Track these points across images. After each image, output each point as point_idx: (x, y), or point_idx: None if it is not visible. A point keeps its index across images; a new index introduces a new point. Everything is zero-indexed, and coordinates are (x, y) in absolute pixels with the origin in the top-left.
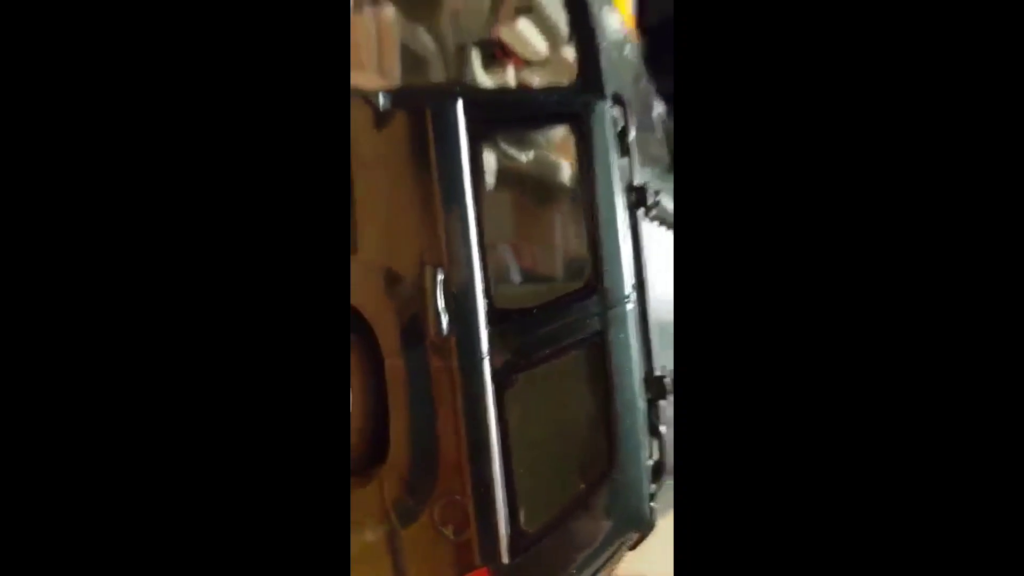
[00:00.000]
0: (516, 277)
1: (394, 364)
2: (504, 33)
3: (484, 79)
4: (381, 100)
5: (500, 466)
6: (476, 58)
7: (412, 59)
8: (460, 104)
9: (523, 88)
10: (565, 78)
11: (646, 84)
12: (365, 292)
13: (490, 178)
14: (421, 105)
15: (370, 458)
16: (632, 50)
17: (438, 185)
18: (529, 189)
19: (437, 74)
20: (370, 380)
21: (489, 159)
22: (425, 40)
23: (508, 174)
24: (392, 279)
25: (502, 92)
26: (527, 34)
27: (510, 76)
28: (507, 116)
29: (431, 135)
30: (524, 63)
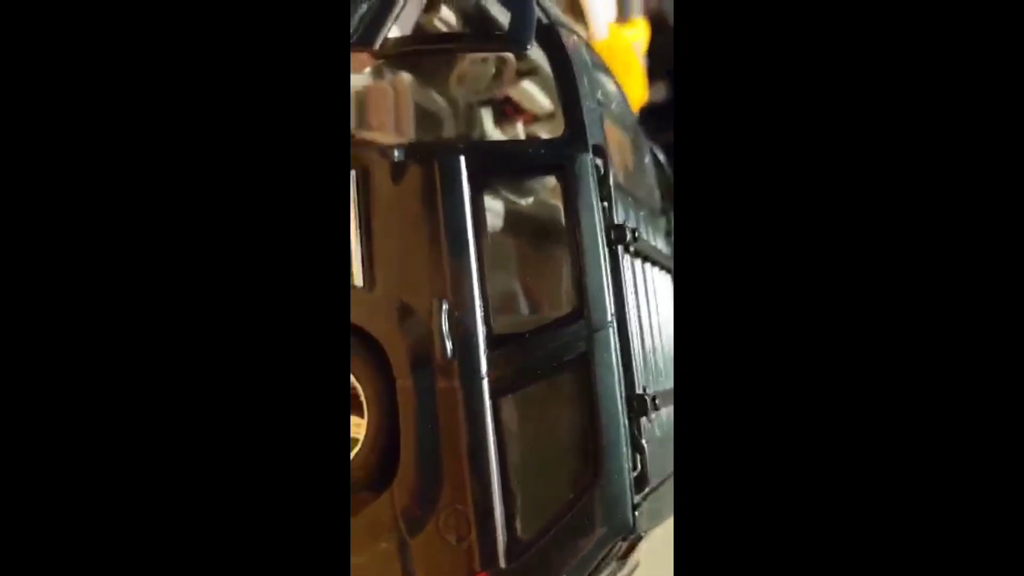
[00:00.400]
0: (524, 309)
1: (405, 385)
2: (512, 92)
3: (496, 134)
4: (396, 154)
5: (497, 476)
6: (487, 115)
7: (426, 118)
8: (463, 157)
9: (516, 141)
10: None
11: (638, 135)
12: (380, 322)
13: (499, 221)
14: (430, 158)
15: (382, 472)
16: (624, 106)
17: (444, 227)
18: (531, 231)
19: (449, 131)
20: (383, 401)
21: (497, 204)
22: (438, 101)
23: (513, 217)
24: (404, 311)
25: (499, 145)
26: (532, 92)
27: (519, 130)
28: (504, 167)
29: (439, 183)
30: (532, 118)
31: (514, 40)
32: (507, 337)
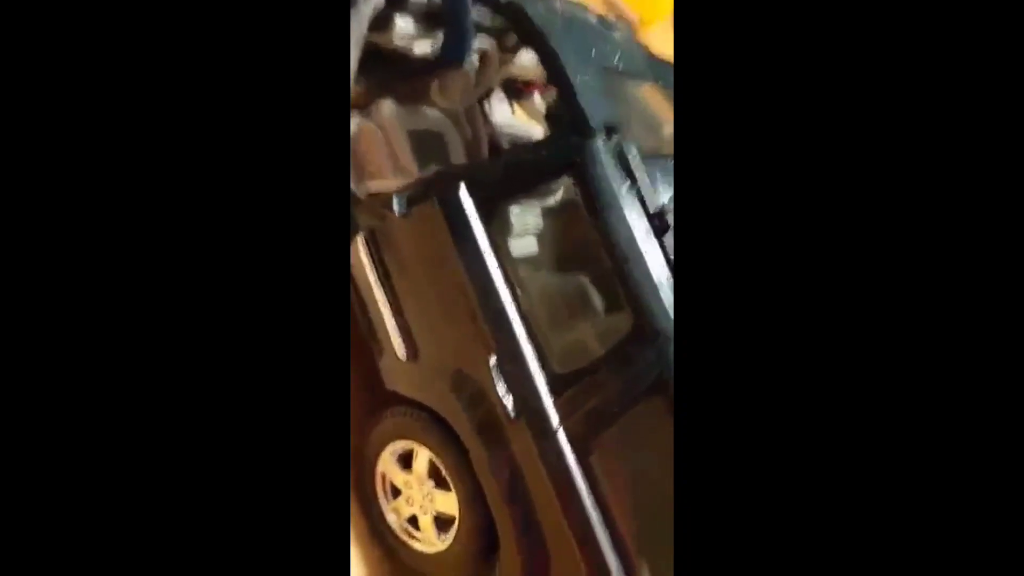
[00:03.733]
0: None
1: (478, 456)
2: (514, 70)
3: (514, 120)
4: (396, 207)
5: (605, 534)
6: (502, 102)
7: (427, 139)
8: (463, 187)
9: (517, 149)
10: None
11: (651, 67)
12: (433, 392)
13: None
14: (430, 198)
15: (487, 547)
16: (632, 49)
17: (465, 274)
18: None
19: (455, 143)
20: (465, 472)
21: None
22: (431, 116)
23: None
24: (457, 376)
25: (499, 162)
26: (532, 62)
27: (538, 102)
28: (512, 187)
29: (446, 227)
30: (544, 84)
31: (448, 60)
32: (573, 375)
